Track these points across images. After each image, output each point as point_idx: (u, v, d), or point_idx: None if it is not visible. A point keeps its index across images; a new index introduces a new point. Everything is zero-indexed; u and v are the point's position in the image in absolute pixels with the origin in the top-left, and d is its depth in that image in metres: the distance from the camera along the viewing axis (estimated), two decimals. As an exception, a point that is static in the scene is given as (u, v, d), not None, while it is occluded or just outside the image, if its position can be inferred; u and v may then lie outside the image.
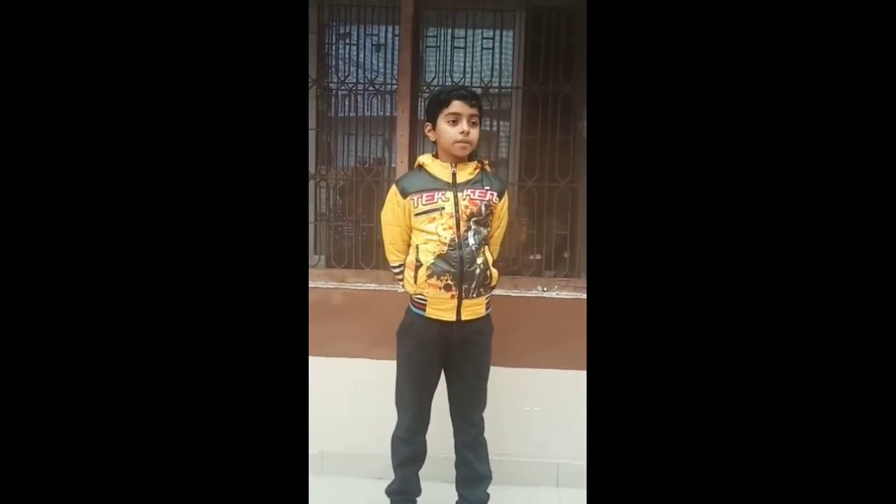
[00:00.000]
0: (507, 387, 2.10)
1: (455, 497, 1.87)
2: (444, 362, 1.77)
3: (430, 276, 1.64)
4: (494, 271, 1.72)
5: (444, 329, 1.69)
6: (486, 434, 1.85)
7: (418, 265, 1.66)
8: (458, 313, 1.67)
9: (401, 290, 1.80)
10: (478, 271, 1.65)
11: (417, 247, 1.68)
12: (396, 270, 1.80)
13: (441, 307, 1.67)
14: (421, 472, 1.88)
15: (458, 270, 1.63)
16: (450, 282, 1.64)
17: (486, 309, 1.74)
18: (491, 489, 1.87)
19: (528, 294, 2.24)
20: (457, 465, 1.87)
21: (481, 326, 1.73)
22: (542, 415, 2.23)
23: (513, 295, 2.21)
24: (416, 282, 1.67)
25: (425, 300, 1.68)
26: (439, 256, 1.64)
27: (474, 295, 1.67)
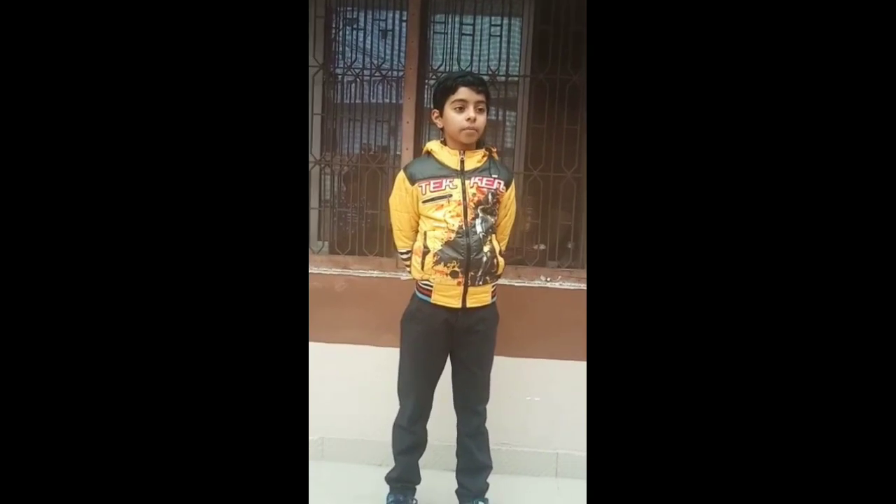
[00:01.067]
0: (508, 376, 2.10)
1: (455, 485, 1.87)
2: (449, 351, 1.77)
3: (437, 263, 1.64)
4: (501, 260, 1.71)
5: (449, 316, 1.69)
6: (487, 423, 1.85)
7: (425, 251, 1.66)
8: (464, 300, 1.67)
9: (405, 276, 1.79)
10: (484, 259, 1.65)
11: (425, 233, 1.67)
12: (404, 256, 1.79)
13: (447, 293, 1.67)
14: (421, 460, 1.88)
15: (465, 258, 1.63)
16: (456, 269, 1.63)
17: (492, 297, 1.74)
18: (491, 478, 1.87)
19: (532, 284, 2.23)
20: (458, 454, 1.87)
21: (486, 314, 1.73)
22: (543, 405, 2.23)
23: (516, 285, 2.21)
24: (422, 268, 1.67)
25: (431, 286, 1.68)
26: (447, 243, 1.63)
27: (480, 283, 1.66)
